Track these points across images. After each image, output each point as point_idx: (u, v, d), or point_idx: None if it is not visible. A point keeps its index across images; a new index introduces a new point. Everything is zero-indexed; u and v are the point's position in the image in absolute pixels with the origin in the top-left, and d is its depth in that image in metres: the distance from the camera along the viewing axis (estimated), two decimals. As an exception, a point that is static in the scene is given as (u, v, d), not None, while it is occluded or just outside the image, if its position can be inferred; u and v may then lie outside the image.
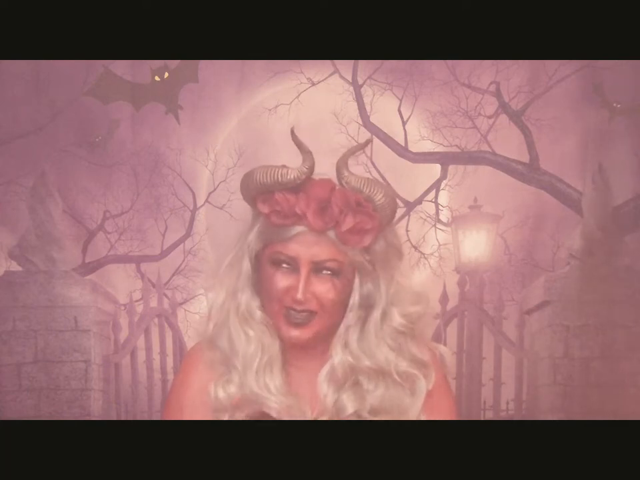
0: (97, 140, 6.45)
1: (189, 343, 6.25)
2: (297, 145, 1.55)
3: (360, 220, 1.55)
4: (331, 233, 1.55)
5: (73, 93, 6.20)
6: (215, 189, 6.63)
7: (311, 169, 1.55)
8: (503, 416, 5.69)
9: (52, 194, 5.43)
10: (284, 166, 1.56)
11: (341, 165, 1.56)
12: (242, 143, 6.60)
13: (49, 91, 6.13)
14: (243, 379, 1.61)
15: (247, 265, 1.63)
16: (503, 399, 5.70)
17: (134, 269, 6.77)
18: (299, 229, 1.55)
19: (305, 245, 1.55)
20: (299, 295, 1.55)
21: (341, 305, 1.61)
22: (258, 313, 1.63)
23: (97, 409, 5.40)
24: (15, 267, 5.43)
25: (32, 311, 5.26)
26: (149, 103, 6.28)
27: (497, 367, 5.62)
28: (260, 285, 1.62)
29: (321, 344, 1.63)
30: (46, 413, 5.26)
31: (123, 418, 5.73)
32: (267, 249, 1.59)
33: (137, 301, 6.09)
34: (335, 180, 1.58)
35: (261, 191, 1.56)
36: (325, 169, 1.57)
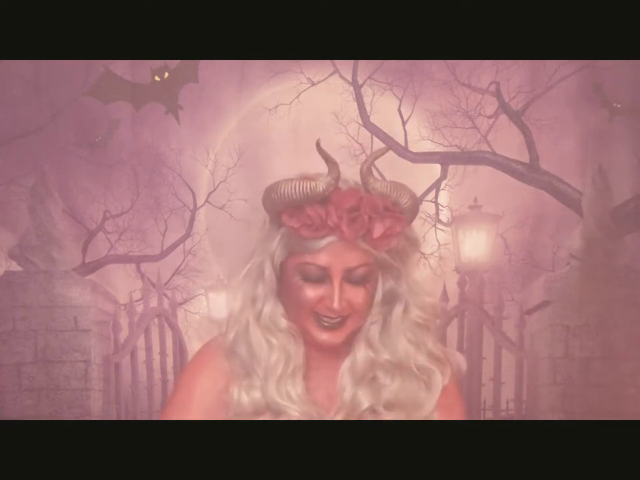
0: (97, 140, 6.45)
1: (189, 342, 6.27)
2: (323, 157, 1.53)
3: (389, 225, 1.55)
4: (359, 239, 1.55)
5: (73, 93, 6.20)
6: (215, 189, 6.63)
7: (338, 180, 1.54)
8: (503, 416, 5.69)
9: (52, 194, 5.43)
10: (307, 178, 1.55)
11: (366, 172, 1.55)
12: (242, 143, 6.60)
13: (49, 90, 6.14)
14: (264, 387, 1.61)
15: (270, 274, 1.61)
16: (503, 398, 5.70)
17: (134, 269, 6.78)
18: (328, 239, 1.54)
19: (336, 255, 1.55)
20: (335, 305, 1.55)
21: (370, 305, 1.62)
22: (283, 321, 1.62)
23: (96, 409, 5.40)
24: (15, 266, 5.43)
25: (32, 310, 5.26)
26: (149, 102, 6.28)
27: (497, 367, 5.62)
28: (284, 293, 1.62)
29: (346, 343, 1.63)
30: (46, 412, 5.26)
31: (123, 418, 5.73)
32: (293, 259, 1.58)
33: (137, 301, 6.10)
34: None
35: (288, 206, 1.54)
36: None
